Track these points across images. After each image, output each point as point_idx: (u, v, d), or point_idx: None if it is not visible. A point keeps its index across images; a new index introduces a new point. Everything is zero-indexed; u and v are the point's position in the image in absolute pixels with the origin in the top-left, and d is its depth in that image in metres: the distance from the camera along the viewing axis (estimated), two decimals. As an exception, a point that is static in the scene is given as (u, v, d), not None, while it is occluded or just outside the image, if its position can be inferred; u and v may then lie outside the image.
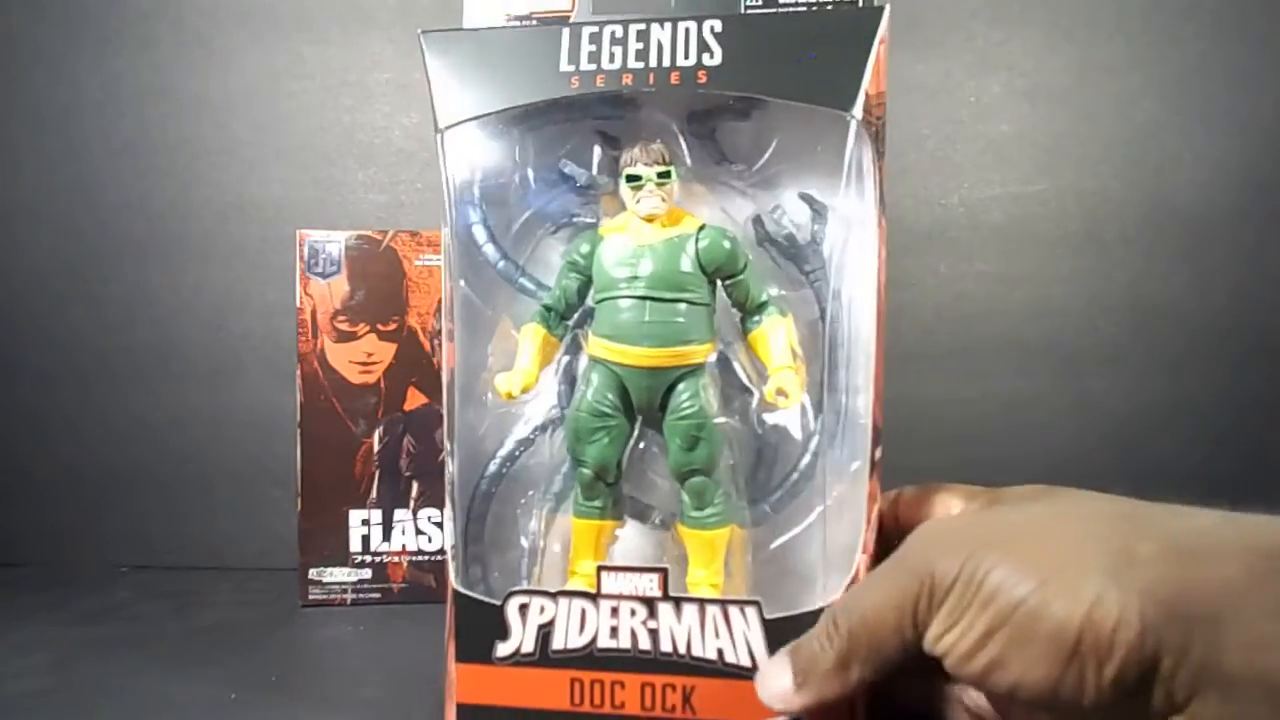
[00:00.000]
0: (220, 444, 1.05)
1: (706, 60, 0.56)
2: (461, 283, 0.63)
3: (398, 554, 0.90)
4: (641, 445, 0.64)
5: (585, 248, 0.62)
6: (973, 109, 1.01)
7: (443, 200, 0.62)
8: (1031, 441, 1.01)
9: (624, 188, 0.60)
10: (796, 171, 0.62)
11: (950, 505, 0.57)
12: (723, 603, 0.55)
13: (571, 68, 0.58)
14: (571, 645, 0.57)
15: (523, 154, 0.65)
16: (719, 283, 0.61)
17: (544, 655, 0.57)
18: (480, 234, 0.65)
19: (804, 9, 0.60)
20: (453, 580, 0.60)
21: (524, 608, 0.57)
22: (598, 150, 0.64)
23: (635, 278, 0.59)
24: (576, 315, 0.64)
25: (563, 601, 0.57)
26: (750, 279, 0.61)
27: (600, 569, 0.57)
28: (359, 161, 1.07)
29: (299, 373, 0.88)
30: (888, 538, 0.56)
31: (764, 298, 0.61)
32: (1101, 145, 1.00)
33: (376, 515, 0.90)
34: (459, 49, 0.60)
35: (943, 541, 0.47)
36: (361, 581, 0.89)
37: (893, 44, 0.87)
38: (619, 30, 0.58)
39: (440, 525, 0.90)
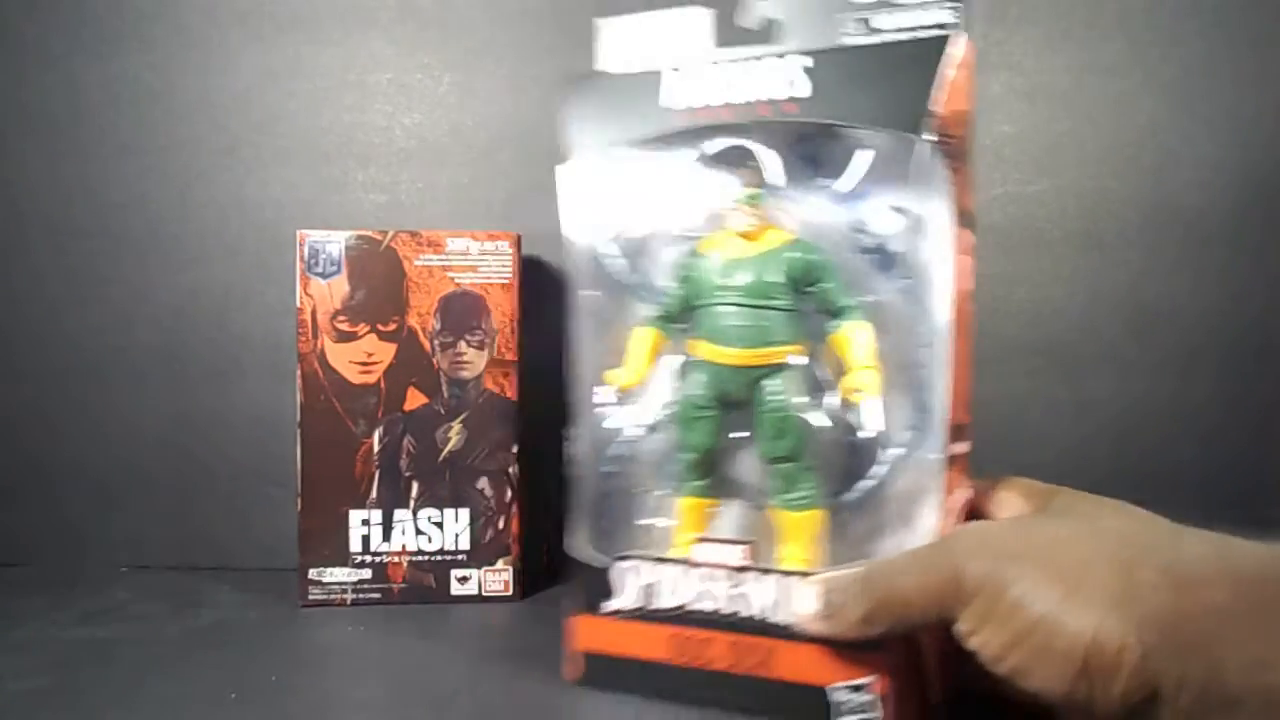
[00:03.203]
0: (220, 444, 1.06)
1: (795, 93, 0.64)
2: (591, 291, 0.74)
3: (398, 554, 0.90)
4: (745, 434, 0.70)
5: (689, 261, 0.71)
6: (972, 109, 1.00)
7: (568, 218, 0.75)
8: (1031, 441, 1.01)
9: (722, 207, 0.69)
10: (889, 186, 0.66)
11: (1011, 502, 0.63)
12: (801, 575, 0.62)
13: (680, 104, 0.68)
14: (668, 605, 0.66)
15: (651, 174, 0.73)
16: (806, 290, 0.68)
17: (646, 612, 0.67)
18: (607, 248, 0.74)
19: (887, 43, 0.64)
20: (573, 543, 0.71)
21: (630, 571, 0.68)
22: (711, 169, 0.70)
23: (729, 287, 0.68)
24: (684, 320, 0.72)
25: (663, 567, 0.67)
26: (834, 286, 0.67)
27: (695, 540, 0.68)
28: (359, 161, 1.07)
29: (299, 373, 0.89)
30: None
31: (846, 303, 0.67)
32: (1101, 145, 1.00)
33: (376, 515, 0.90)
34: (588, 93, 0.71)
35: (975, 545, 0.54)
36: (361, 581, 0.90)
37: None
38: (720, 70, 0.66)
39: (440, 525, 0.90)
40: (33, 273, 1.08)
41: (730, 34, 0.69)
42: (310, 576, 0.89)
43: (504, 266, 0.90)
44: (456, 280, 0.90)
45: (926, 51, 0.61)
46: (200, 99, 1.07)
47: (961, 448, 0.64)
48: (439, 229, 0.91)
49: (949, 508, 0.62)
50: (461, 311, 0.90)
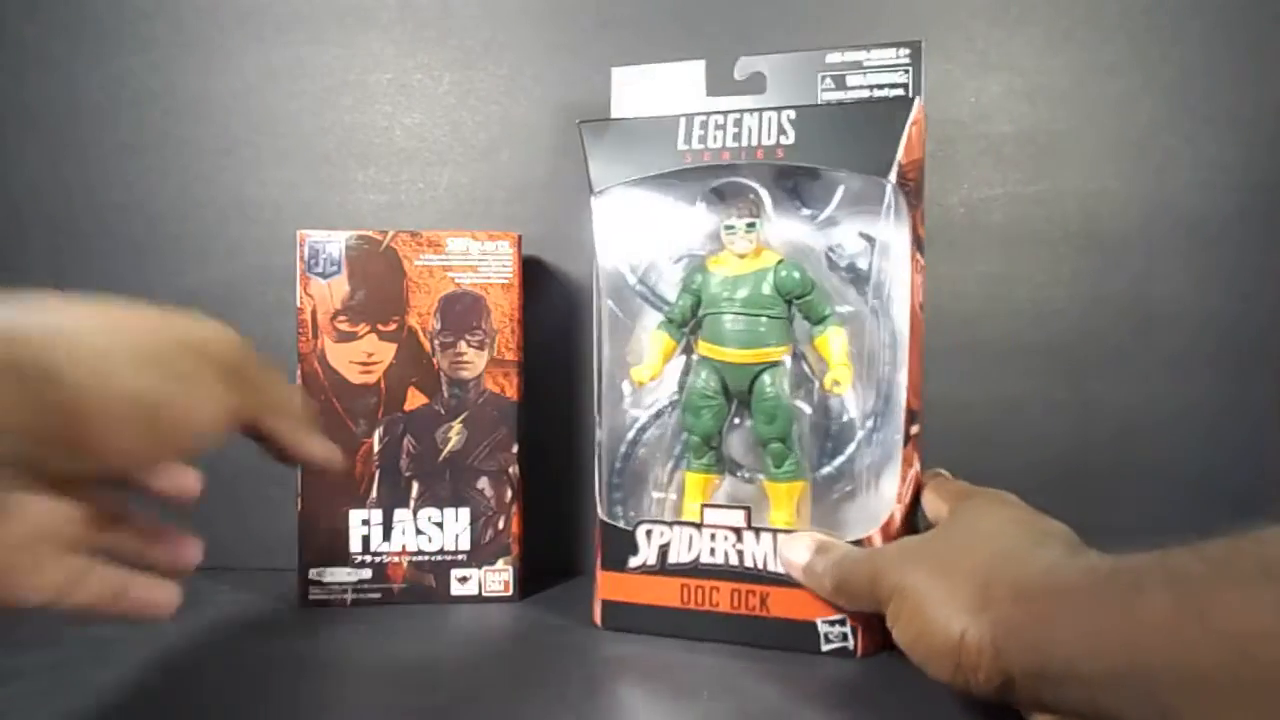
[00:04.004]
0: (220, 444, 1.05)
1: (783, 141, 0.79)
2: (609, 302, 0.88)
3: (398, 554, 0.90)
4: (737, 421, 0.86)
5: (698, 276, 0.84)
6: (973, 109, 1.01)
7: (587, 238, 0.87)
8: (1031, 441, 1.01)
9: (722, 233, 0.83)
10: (855, 216, 0.83)
11: (933, 503, 0.77)
12: (789, 533, 0.78)
13: (686, 147, 0.81)
14: (682, 560, 0.81)
15: (657, 206, 0.88)
16: (792, 302, 0.82)
17: (662, 567, 0.82)
18: (623, 265, 0.88)
19: (858, 101, 0.81)
20: (600, 513, 0.85)
21: (649, 532, 0.82)
22: (707, 203, 0.87)
23: (731, 298, 0.82)
24: (690, 324, 0.86)
25: (677, 529, 0.81)
26: (815, 299, 0.81)
27: (703, 506, 0.81)
28: (359, 161, 1.07)
29: (299, 372, 0.89)
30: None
31: (827, 312, 0.82)
32: (1101, 145, 1.00)
33: (377, 515, 0.90)
34: (607, 134, 0.84)
35: (895, 558, 0.69)
36: (362, 581, 0.90)
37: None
38: (721, 119, 0.80)
39: (440, 525, 0.90)
40: (31, 272, 1.06)
41: (724, 85, 0.85)
42: (310, 576, 0.89)
43: (504, 266, 0.90)
44: (457, 280, 0.89)
45: (893, 111, 0.77)
46: (200, 99, 1.07)
47: (915, 429, 0.80)
48: (439, 229, 0.91)
49: (907, 478, 0.79)
50: (462, 311, 0.90)
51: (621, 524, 0.84)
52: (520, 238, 0.91)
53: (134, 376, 0.51)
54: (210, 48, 1.06)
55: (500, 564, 0.91)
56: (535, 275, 1.01)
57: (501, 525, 0.91)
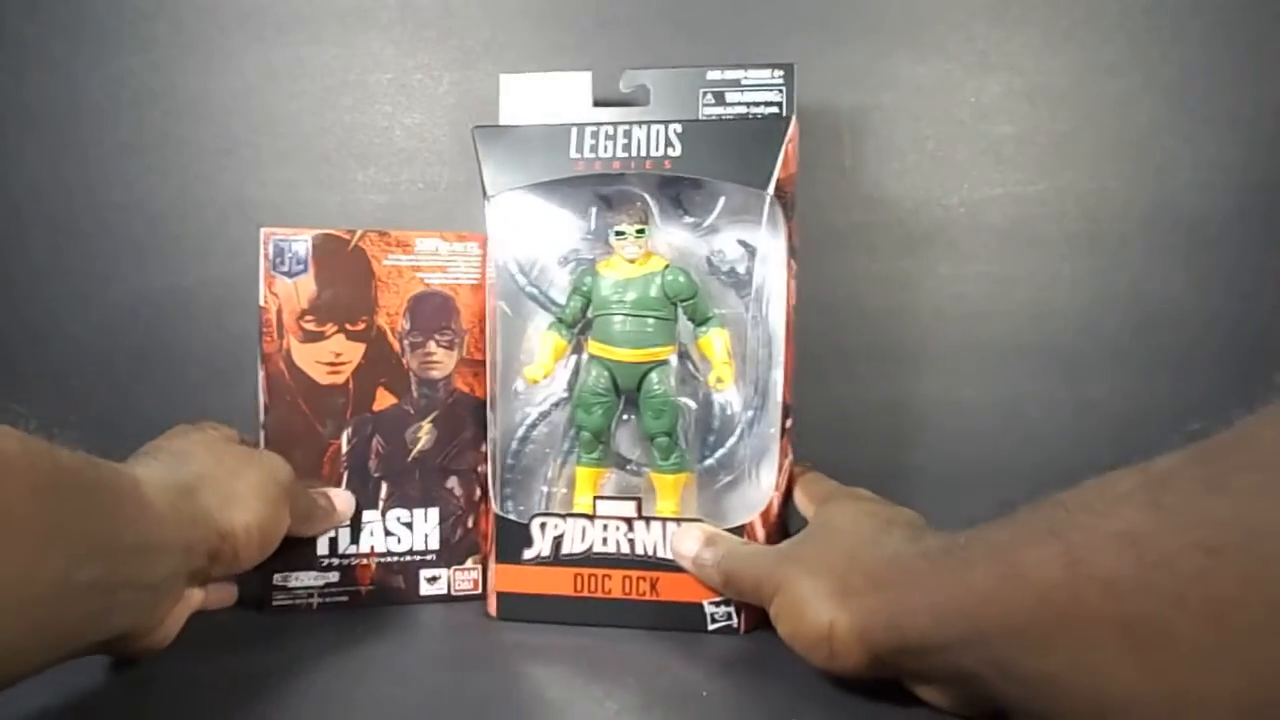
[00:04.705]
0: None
1: (671, 153, 0.77)
2: (501, 303, 0.82)
3: (366, 556, 0.81)
4: (625, 417, 0.83)
5: (588, 279, 0.81)
6: (973, 109, 0.95)
7: (481, 236, 0.83)
8: (1031, 442, 0.95)
9: (613, 238, 0.80)
10: (734, 224, 0.82)
11: (801, 502, 0.78)
12: (678, 521, 0.77)
13: (578, 155, 0.79)
14: (575, 550, 0.78)
15: (546, 211, 0.84)
16: (678, 304, 0.80)
17: (556, 557, 0.78)
18: (514, 267, 0.83)
19: (738, 118, 0.80)
20: (495, 507, 0.79)
21: (544, 525, 0.78)
22: (596, 209, 0.84)
23: (621, 301, 0.79)
24: (580, 325, 0.83)
25: (570, 521, 0.78)
26: (700, 302, 0.80)
27: (596, 498, 0.79)
28: (359, 161, 1.00)
29: (263, 373, 0.79)
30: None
31: (710, 314, 0.81)
32: (1101, 145, 0.94)
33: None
34: (500, 141, 0.80)
35: (775, 558, 0.69)
36: (329, 585, 0.80)
37: (893, 44, 0.98)
38: (611, 129, 0.78)
39: (409, 525, 0.82)
40: (32, 273, 1.01)
41: (609, 95, 0.82)
42: (275, 581, 0.80)
43: (473, 267, 0.83)
44: (425, 280, 0.82)
45: (772, 128, 0.76)
46: (200, 99, 1.00)
47: (789, 422, 0.79)
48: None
49: (783, 468, 0.78)
50: (431, 311, 0.82)
51: (514, 517, 0.80)
52: (487, 238, 0.83)
53: (251, 510, 0.67)
54: (210, 48, 0.99)
55: (469, 563, 0.83)
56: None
57: (471, 524, 0.84)
